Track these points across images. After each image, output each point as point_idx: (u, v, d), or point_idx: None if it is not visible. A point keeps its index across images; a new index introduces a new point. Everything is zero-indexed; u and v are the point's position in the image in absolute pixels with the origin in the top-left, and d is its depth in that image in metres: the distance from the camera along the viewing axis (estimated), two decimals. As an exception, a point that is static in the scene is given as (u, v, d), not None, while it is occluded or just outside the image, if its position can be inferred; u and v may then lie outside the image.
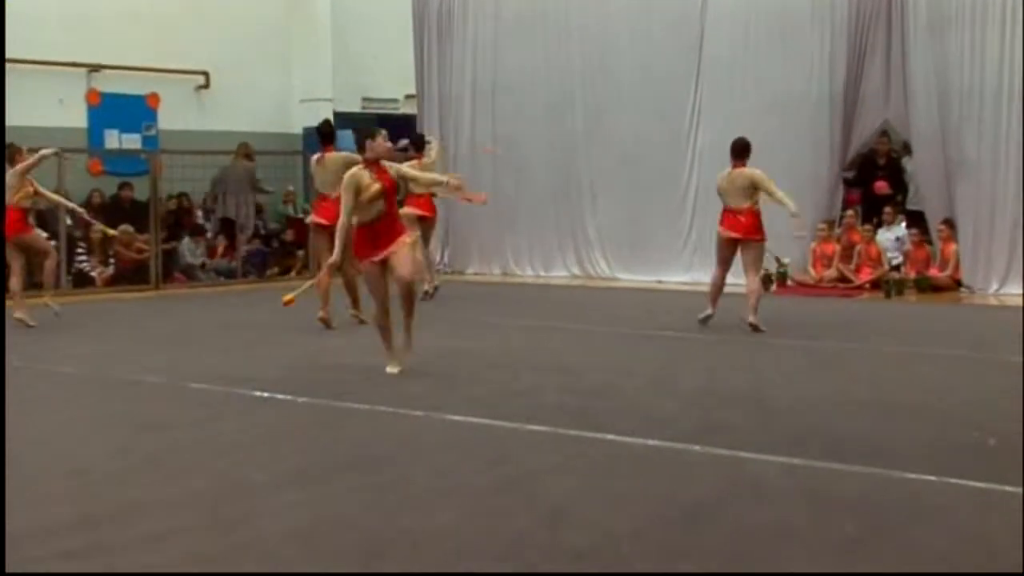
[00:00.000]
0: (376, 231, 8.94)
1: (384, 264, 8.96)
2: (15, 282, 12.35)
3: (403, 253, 8.94)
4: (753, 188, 11.38)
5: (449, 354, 10.37)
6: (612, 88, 17.65)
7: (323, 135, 12.40)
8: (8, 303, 12.37)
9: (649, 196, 17.30)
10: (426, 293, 14.11)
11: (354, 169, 8.97)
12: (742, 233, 11.41)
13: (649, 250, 17.29)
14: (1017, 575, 5.22)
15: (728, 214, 11.48)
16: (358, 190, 8.83)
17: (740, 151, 11.57)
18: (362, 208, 8.89)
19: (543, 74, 18.25)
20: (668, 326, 12.23)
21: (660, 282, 16.96)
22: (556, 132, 18.16)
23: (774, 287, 15.88)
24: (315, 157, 12.26)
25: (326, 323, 11.89)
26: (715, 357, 10.07)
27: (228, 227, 18.24)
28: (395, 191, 9.08)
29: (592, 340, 11.34)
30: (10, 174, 12.28)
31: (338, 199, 9.38)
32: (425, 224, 14.34)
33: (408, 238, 9.11)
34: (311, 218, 12.45)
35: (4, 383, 8.61)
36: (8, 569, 4.84)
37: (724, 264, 11.68)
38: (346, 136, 21.58)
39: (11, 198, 12.19)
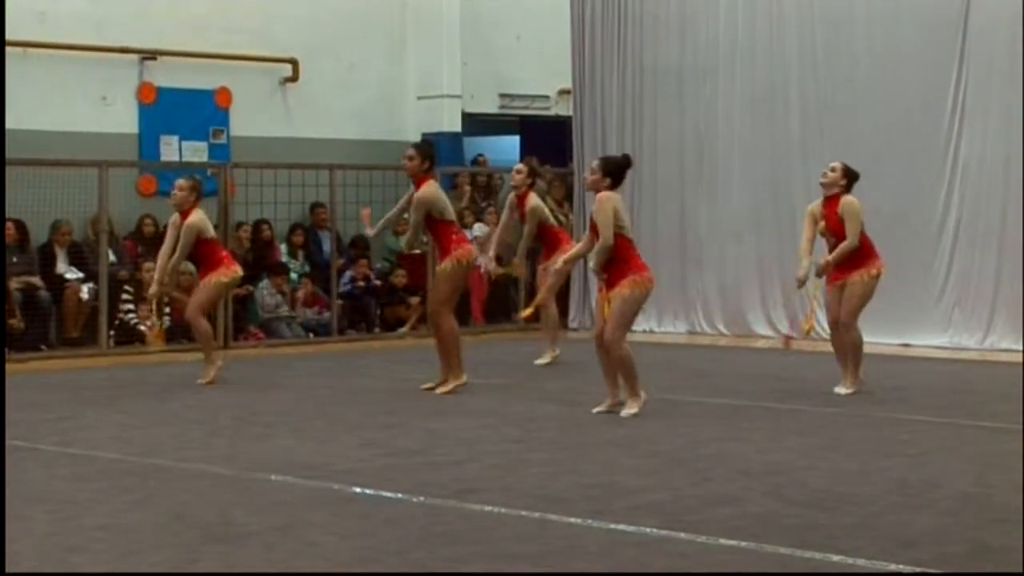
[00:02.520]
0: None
1: None
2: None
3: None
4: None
5: (614, 443, 10.34)
6: (841, 75, 17.51)
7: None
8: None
9: (891, 227, 17.02)
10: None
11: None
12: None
13: (891, 302, 16.97)
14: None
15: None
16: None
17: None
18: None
19: (747, 55, 18.21)
20: (919, 407, 12.00)
21: (906, 346, 16.69)
22: (762, 136, 18.07)
23: None
24: None
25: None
26: (991, 454, 9.83)
27: (319, 269, 18.47)
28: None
29: (811, 426, 11.17)
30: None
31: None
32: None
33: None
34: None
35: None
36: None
37: None
38: (511, 144, 21.91)
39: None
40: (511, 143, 22.12)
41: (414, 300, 18.47)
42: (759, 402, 12.41)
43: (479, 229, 19.01)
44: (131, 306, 16.66)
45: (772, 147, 17.99)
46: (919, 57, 16.91)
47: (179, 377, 14.30)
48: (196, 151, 18.47)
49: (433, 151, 13.18)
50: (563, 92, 20.91)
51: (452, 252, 12.69)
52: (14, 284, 15.90)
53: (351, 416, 11.78)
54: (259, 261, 18.03)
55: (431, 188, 12.71)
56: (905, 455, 9.86)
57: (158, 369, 14.98)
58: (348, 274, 18.50)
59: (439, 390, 12.85)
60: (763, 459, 9.66)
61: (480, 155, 21.15)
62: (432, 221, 12.71)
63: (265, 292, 17.70)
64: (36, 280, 16.26)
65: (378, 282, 18.81)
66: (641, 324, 18.78)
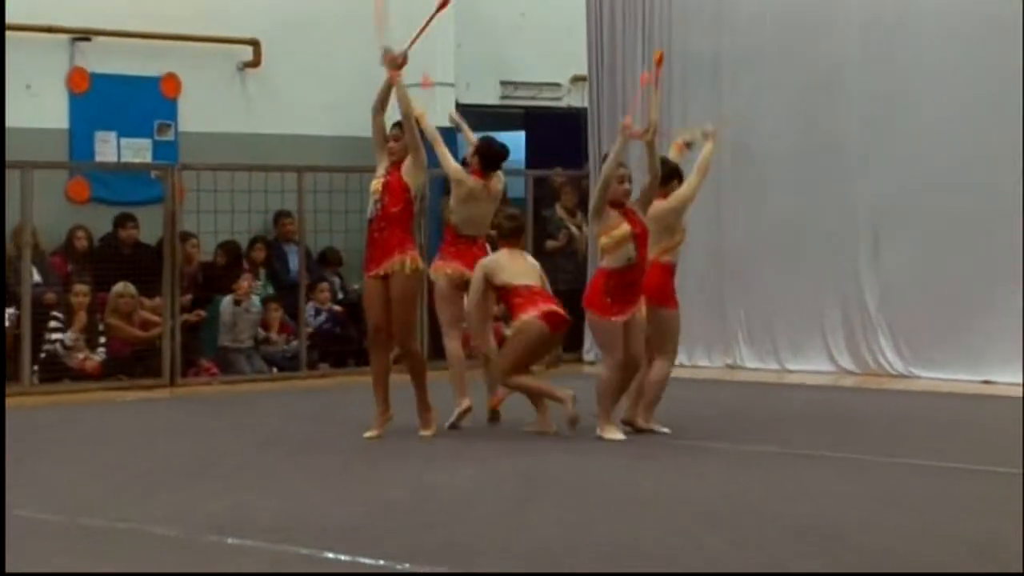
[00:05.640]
0: (624, 282, 12.47)
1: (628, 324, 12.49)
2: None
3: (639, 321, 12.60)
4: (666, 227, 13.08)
5: (635, 497, 10.34)
6: (907, 65, 17.50)
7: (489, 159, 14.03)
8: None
9: (968, 244, 17.06)
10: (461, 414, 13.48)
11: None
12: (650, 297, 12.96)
13: (968, 331, 17.01)
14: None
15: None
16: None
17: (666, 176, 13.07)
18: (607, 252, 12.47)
19: (796, 41, 18.23)
20: (991, 454, 12.02)
21: (987, 383, 16.65)
22: (814, 135, 18.06)
23: None
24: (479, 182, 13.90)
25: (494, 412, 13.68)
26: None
27: (285, 290, 18.45)
28: (646, 238, 12.64)
29: (871, 477, 11.17)
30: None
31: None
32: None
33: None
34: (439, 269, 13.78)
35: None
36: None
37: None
38: (514, 141, 21.85)
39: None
40: (515, 140, 22.11)
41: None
42: (805, 449, 12.43)
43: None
44: (60, 335, 16.61)
45: (826, 146, 17.94)
46: (994, 41, 16.90)
47: (119, 420, 14.29)
48: (138, 150, 18.42)
49: None
50: (577, 79, 20.91)
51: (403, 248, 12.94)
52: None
53: (324, 465, 11.76)
54: (214, 281, 18.09)
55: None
56: (975, 510, 9.83)
57: (93, 410, 14.98)
58: (311, 306, 18.41)
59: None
60: (809, 514, 9.65)
61: None
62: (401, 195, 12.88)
63: (227, 311, 17.72)
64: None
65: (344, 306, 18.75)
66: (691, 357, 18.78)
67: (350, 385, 17.23)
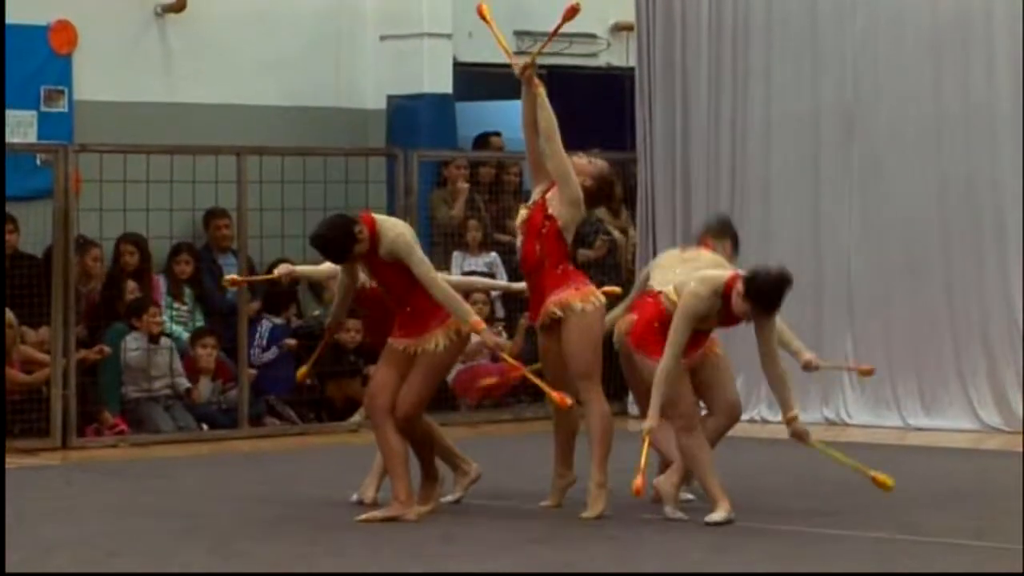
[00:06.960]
0: None
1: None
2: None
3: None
4: None
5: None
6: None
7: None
8: None
9: None
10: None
11: None
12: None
13: None
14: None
15: None
16: None
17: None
18: None
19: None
20: None
21: None
22: (945, 99, 18.05)
23: None
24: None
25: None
26: None
27: (218, 316, 18.43)
28: None
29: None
30: None
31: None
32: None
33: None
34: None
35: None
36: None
37: None
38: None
39: None
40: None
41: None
42: (941, 535, 12.41)
43: (484, 264, 19.04)
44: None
45: (963, 112, 17.93)
46: None
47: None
48: (20, 125, 18.47)
49: None
50: (620, 28, 20.93)
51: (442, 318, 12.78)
52: None
53: (270, 553, 11.76)
54: (113, 304, 18.09)
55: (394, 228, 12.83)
56: None
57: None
58: (267, 324, 18.39)
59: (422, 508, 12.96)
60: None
61: (494, 133, 21.03)
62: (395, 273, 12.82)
63: (132, 346, 17.74)
64: None
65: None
66: (747, 409, 18.73)
67: (307, 447, 17.21)
